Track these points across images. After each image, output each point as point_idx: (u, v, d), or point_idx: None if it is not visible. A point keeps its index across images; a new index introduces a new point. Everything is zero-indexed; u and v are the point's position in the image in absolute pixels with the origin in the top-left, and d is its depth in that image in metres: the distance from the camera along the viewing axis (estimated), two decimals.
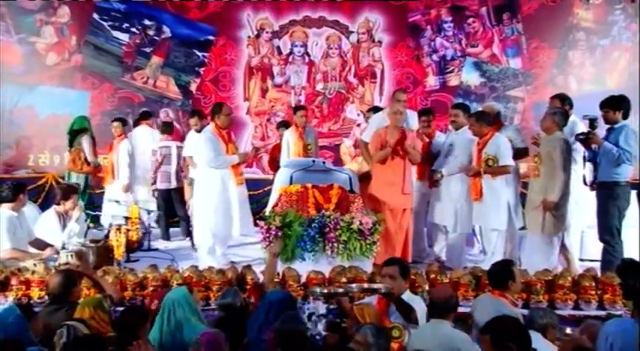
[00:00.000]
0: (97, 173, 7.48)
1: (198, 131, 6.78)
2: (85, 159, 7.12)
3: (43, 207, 6.93)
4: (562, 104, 5.73)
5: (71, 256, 5.03)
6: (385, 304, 3.78)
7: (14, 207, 5.27)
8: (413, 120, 6.54)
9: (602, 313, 4.57)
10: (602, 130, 5.41)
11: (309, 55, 9.35)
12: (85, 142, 7.11)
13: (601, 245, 5.39)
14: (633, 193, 5.41)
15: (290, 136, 7.06)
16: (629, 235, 5.40)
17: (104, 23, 9.09)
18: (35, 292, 4.56)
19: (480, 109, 6.45)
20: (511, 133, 5.96)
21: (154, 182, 7.34)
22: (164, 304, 3.58)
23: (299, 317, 3.48)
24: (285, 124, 7.64)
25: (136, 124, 7.99)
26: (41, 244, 5.34)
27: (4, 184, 5.45)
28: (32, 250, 5.31)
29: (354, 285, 3.25)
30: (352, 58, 9.33)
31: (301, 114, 7.09)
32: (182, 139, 7.70)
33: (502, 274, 3.90)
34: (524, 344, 2.77)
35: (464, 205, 5.92)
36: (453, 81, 9.26)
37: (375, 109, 6.93)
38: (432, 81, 9.27)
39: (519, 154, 5.88)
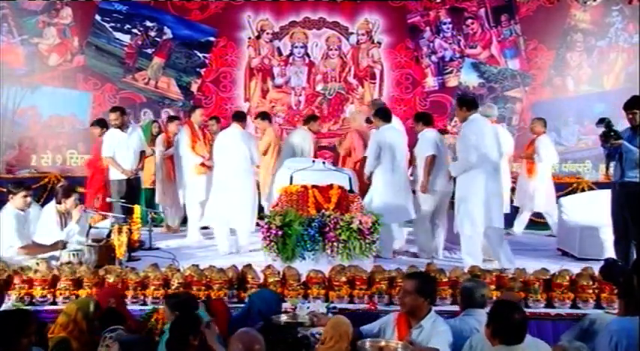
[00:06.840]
0: None
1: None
2: None
3: None
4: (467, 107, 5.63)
5: (73, 255, 5.10)
6: (405, 320, 3.53)
7: (20, 205, 5.28)
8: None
9: (599, 311, 4.60)
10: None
11: (309, 56, 9.39)
12: None
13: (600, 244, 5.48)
14: None
15: (306, 138, 7.49)
16: None
17: (106, 24, 9.15)
18: (37, 291, 4.58)
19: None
20: None
21: None
22: None
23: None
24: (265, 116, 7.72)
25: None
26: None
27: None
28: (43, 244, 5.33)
29: (367, 343, 3.28)
30: (352, 59, 9.37)
31: (318, 123, 8.05)
32: None
33: None
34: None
35: (386, 198, 6.04)
36: (452, 82, 9.30)
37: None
38: (430, 82, 9.31)
39: None
